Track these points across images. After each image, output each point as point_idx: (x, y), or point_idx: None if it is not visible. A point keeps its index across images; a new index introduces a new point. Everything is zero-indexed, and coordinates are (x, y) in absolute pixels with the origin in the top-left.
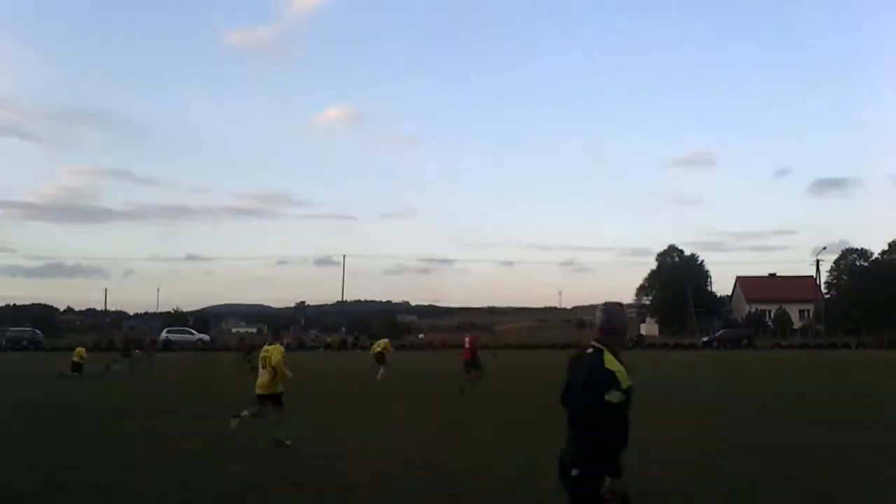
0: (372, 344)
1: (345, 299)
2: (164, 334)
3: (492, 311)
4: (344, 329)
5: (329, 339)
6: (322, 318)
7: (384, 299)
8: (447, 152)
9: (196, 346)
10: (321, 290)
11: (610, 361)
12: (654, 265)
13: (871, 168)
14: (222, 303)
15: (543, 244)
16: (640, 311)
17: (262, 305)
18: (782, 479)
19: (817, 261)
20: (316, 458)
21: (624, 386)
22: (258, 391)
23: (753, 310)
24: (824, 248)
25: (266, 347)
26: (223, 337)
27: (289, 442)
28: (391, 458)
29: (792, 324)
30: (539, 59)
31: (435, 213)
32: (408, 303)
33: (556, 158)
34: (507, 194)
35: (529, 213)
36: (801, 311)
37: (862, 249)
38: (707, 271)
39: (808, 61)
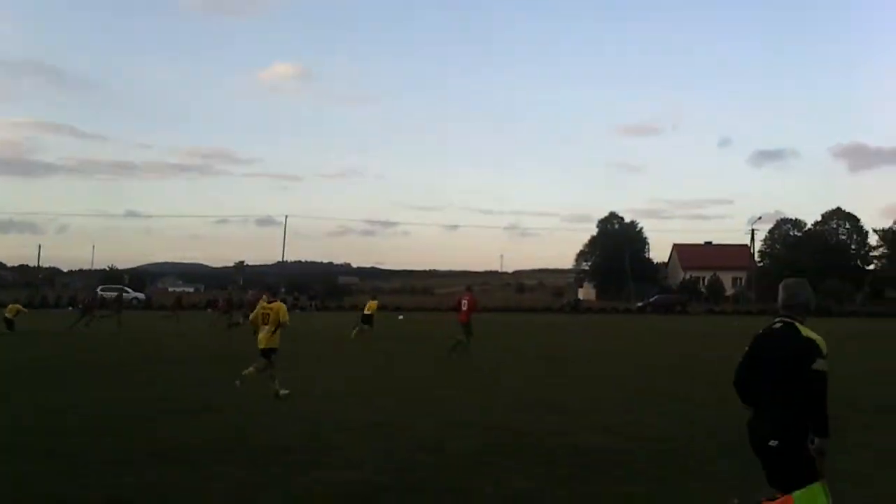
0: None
1: (285, 260)
2: (98, 292)
3: (433, 275)
4: (283, 289)
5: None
6: (261, 278)
7: (325, 260)
8: (394, 114)
9: (130, 305)
10: (261, 250)
11: (807, 332)
12: (594, 231)
13: (809, 140)
14: (159, 261)
15: (488, 208)
16: (578, 276)
17: (199, 264)
18: (713, 437)
19: (752, 230)
20: (256, 420)
21: (825, 353)
22: (260, 345)
23: (688, 276)
24: (759, 217)
25: (267, 305)
26: (159, 296)
27: (285, 391)
28: (328, 418)
29: (724, 291)
30: (490, 21)
31: (380, 175)
32: (349, 265)
33: (503, 123)
34: (453, 158)
35: (475, 178)
36: (734, 279)
37: (796, 220)
38: (645, 238)
39: (755, 34)
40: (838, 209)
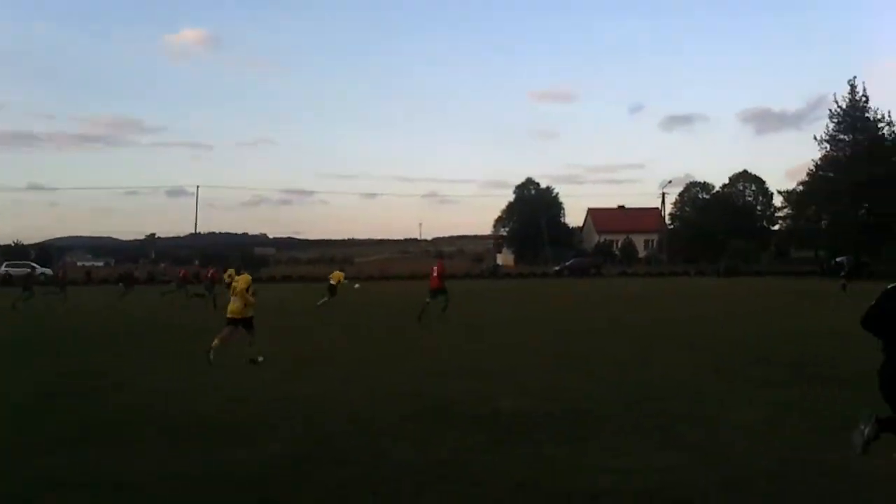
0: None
1: (198, 231)
2: (2, 268)
3: (352, 243)
4: (197, 262)
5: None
6: (174, 250)
7: (240, 231)
8: (308, 81)
9: (39, 281)
10: (173, 222)
11: None
12: (512, 197)
13: (718, 105)
14: (66, 235)
15: (406, 176)
16: (496, 241)
17: (109, 238)
18: (627, 398)
19: (663, 194)
20: (176, 395)
21: None
22: (229, 315)
23: (602, 240)
24: (670, 181)
25: (235, 277)
26: (69, 271)
27: (261, 359)
28: (246, 392)
29: (637, 253)
30: None
31: (295, 143)
32: (265, 235)
33: (420, 90)
34: (371, 125)
35: (392, 145)
36: (646, 241)
37: (704, 183)
38: (561, 203)
39: (665, 1)
40: (745, 172)
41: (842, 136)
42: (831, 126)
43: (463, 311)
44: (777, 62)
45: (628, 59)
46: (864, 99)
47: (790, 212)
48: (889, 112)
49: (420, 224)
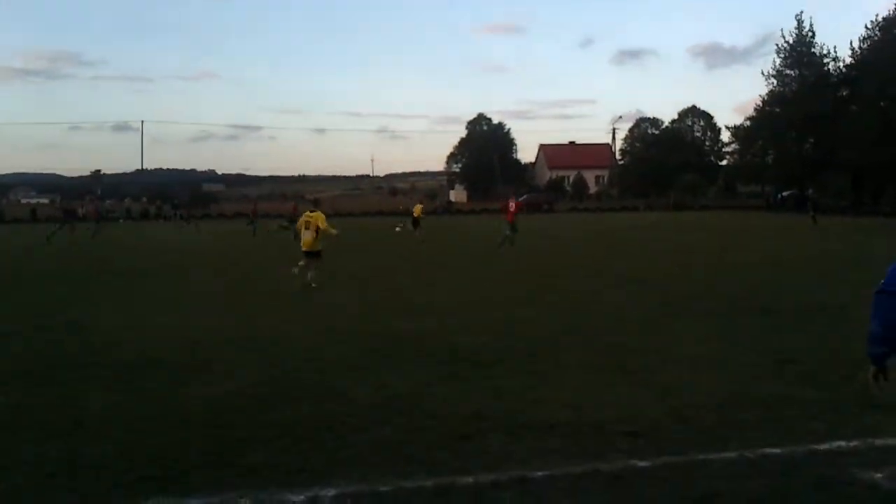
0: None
1: (145, 167)
2: None
3: (303, 180)
4: (145, 199)
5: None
6: (120, 187)
7: (188, 168)
8: (253, 12)
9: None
10: (119, 158)
11: None
12: (464, 133)
13: (669, 40)
14: (9, 172)
15: (356, 111)
16: (449, 178)
17: (53, 174)
18: (580, 333)
19: (613, 129)
20: (128, 336)
21: None
22: (304, 248)
23: (554, 176)
24: (620, 117)
25: (310, 214)
26: (12, 209)
27: (314, 285)
28: (199, 332)
29: (588, 189)
30: None
31: (241, 77)
32: (214, 171)
33: (367, 24)
34: (319, 60)
35: (342, 80)
36: (597, 177)
37: (654, 118)
38: (513, 139)
39: None
40: (693, 107)
41: (788, 72)
42: (778, 61)
43: (418, 249)
44: None
45: None
46: (810, 34)
47: (737, 147)
48: (835, 47)
49: (372, 160)
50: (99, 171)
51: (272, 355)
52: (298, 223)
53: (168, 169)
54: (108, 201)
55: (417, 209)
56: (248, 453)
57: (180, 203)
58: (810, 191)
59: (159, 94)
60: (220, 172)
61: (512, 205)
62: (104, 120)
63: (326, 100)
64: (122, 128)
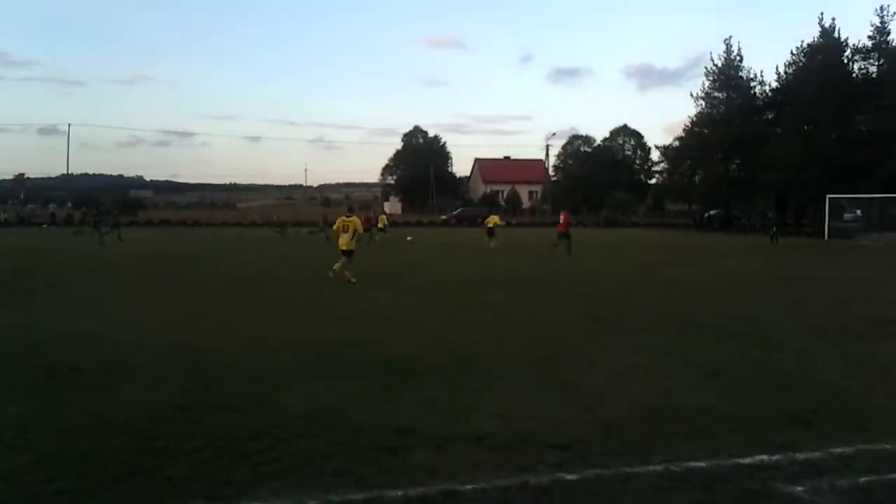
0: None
1: (71, 172)
2: None
3: (234, 188)
4: (70, 204)
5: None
6: (45, 191)
7: (116, 173)
8: (188, 16)
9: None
10: (44, 162)
11: None
12: (399, 145)
13: (604, 60)
14: None
15: (291, 120)
16: (384, 189)
17: None
18: (506, 344)
19: (547, 146)
20: (49, 341)
21: None
22: (342, 247)
23: (489, 190)
24: (554, 133)
25: (347, 219)
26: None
27: (354, 280)
28: (123, 339)
29: (522, 203)
30: None
31: (174, 82)
32: (142, 177)
33: (307, 31)
34: (255, 66)
35: (278, 88)
36: (530, 192)
37: (587, 136)
38: (449, 153)
39: None
40: (625, 126)
41: (716, 94)
42: (707, 84)
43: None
44: (661, 19)
45: (520, 8)
46: (738, 58)
47: (666, 166)
48: (762, 72)
49: (305, 169)
50: (23, 174)
51: (196, 363)
52: (336, 226)
53: (95, 174)
54: (29, 206)
55: (493, 220)
56: (171, 465)
57: (108, 209)
58: (770, 214)
59: (90, 98)
60: (148, 178)
61: (563, 217)
62: (30, 122)
63: (261, 107)
64: (48, 131)
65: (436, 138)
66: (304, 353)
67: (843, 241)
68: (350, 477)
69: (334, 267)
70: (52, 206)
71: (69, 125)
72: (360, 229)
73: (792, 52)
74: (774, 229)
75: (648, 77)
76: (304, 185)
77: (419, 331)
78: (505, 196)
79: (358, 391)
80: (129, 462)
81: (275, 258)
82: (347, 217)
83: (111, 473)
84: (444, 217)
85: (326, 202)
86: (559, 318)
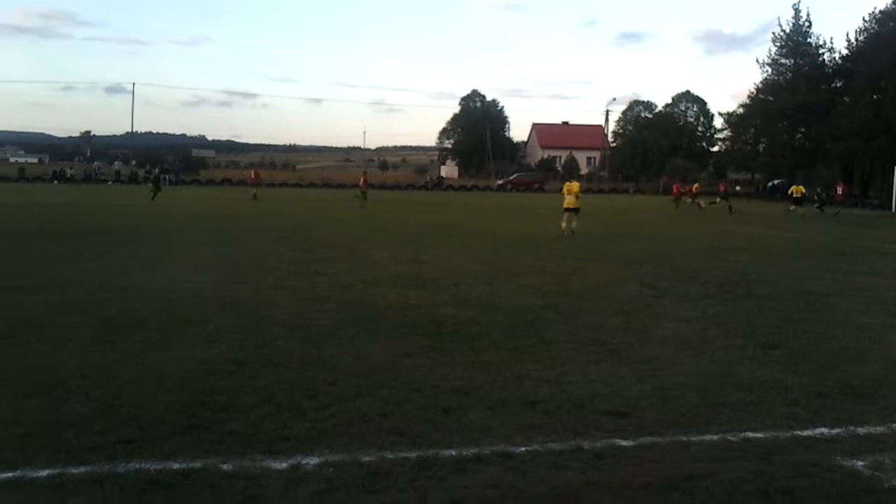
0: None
1: (135, 130)
2: None
3: (293, 149)
4: (134, 162)
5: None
6: (110, 149)
7: (179, 132)
8: None
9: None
10: (110, 120)
11: None
12: (457, 109)
13: (672, 24)
14: None
15: (351, 82)
16: (441, 153)
17: (43, 134)
18: (559, 311)
19: (607, 111)
20: (104, 296)
21: None
22: (567, 206)
23: (546, 155)
24: (614, 98)
25: (569, 183)
26: (1, 167)
27: (576, 231)
28: (183, 295)
29: (579, 170)
30: None
31: (236, 43)
32: (204, 137)
33: None
34: (315, 29)
35: (338, 50)
36: (588, 158)
37: (647, 102)
38: (506, 117)
39: None
40: (687, 92)
41: (783, 61)
42: (773, 50)
43: (406, 221)
44: None
45: None
46: (807, 24)
47: (729, 133)
48: (831, 38)
49: (364, 132)
50: (89, 132)
51: (249, 320)
52: (565, 189)
53: (158, 132)
54: (96, 163)
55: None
56: (229, 419)
57: (170, 168)
58: (780, 180)
59: (154, 57)
60: (210, 138)
61: (675, 188)
62: (97, 81)
63: (321, 69)
64: (114, 90)
65: (493, 102)
66: (358, 312)
67: None
68: (406, 435)
69: (563, 225)
70: (117, 164)
71: (133, 84)
72: (578, 191)
73: (863, 19)
74: (819, 197)
75: (716, 42)
76: (363, 147)
77: (468, 292)
78: (562, 162)
79: (412, 352)
80: (188, 415)
81: (334, 221)
82: (570, 182)
83: (170, 426)
84: (499, 182)
85: (384, 165)
86: (615, 284)
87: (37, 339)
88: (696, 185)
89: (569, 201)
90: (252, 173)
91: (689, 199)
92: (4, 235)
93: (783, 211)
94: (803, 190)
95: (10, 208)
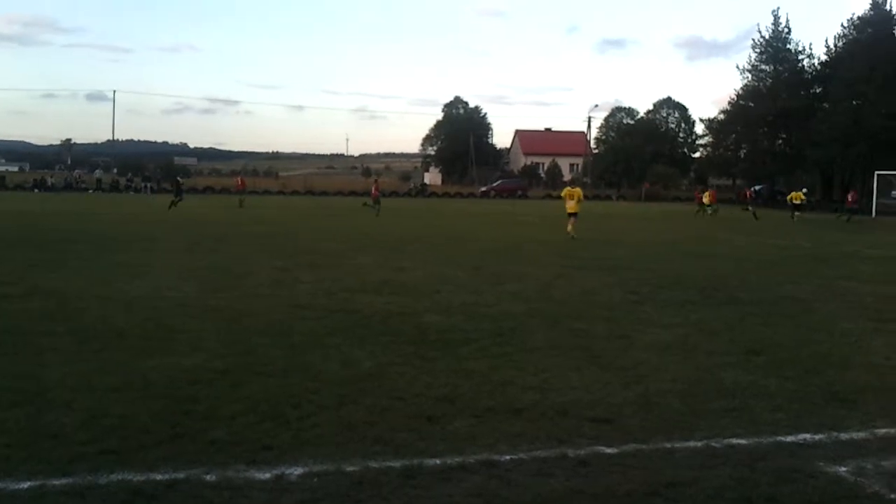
0: None
1: (116, 138)
2: None
3: (276, 157)
4: (115, 170)
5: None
6: (91, 157)
7: (160, 140)
8: None
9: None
10: (91, 128)
11: None
12: (440, 116)
13: (653, 30)
14: None
15: (333, 89)
16: (424, 160)
17: (23, 142)
18: (543, 317)
19: (589, 118)
20: (87, 304)
21: None
22: (569, 210)
23: (529, 162)
24: (596, 105)
25: (570, 189)
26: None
27: (575, 236)
28: (166, 303)
29: (562, 176)
30: None
31: (219, 50)
32: (186, 144)
33: (352, 1)
34: (298, 35)
35: (321, 57)
36: (571, 165)
37: (629, 108)
38: (489, 123)
39: None
40: (668, 98)
41: (763, 67)
42: (753, 56)
43: (388, 229)
44: None
45: None
46: (786, 30)
47: (710, 140)
48: (810, 44)
49: (347, 139)
50: (70, 140)
51: (233, 327)
52: (564, 193)
53: (140, 140)
54: (77, 171)
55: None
56: (212, 429)
57: (151, 176)
58: (761, 186)
59: (136, 65)
60: (192, 146)
61: (697, 196)
62: (78, 89)
63: (304, 76)
64: (95, 97)
65: (476, 109)
66: (343, 320)
67: (890, 219)
68: (390, 444)
69: (568, 228)
70: (97, 172)
71: (114, 91)
72: (581, 196)
73: (842, 25)
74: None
75: (697, 48)
76: (346, 154)
77: (451, 300)
78: (545, 168)
79: (396, 360)
80: (172, 424)
81: (323, 229)
82: (571, 188)
83: (154, 435)
84: (483, 189)
85: (367, 172)
86: (598, 291)
87: (20, 348)
88: (707, 193)
89: (570, 206)
90: (238, 180)
91: (699, 207)
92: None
93: (787, 217)
94: (803, 196)
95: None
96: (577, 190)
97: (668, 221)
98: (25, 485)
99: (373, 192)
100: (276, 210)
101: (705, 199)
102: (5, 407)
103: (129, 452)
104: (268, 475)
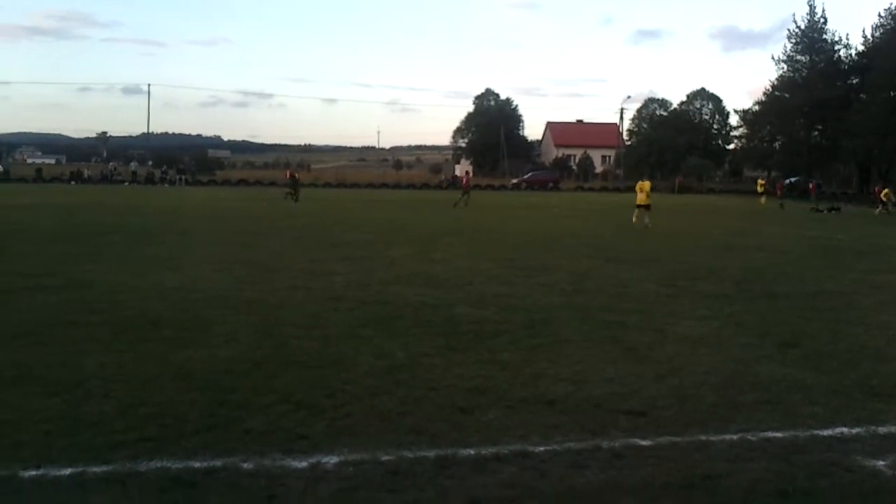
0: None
1: (151, 131)
2: None
3: (309, 149)
4: (150, 162)
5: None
6: (126, 150)
7: (194, 133)
8: None
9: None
10: (126, 121)
11: None
12: (471, 108)
13: (688, 21)
14: (15, 131)
15: (366, 82)
16: (455, 152)
17: (60, 135)
18: (576, 309)
19: (621, 109)
20: (124, 296)
21: None
22: (638, 203)
23: (561, 154)
24: (629, 96)
25: (643, 182)
26: (18, 168)
27: (650, 225)
28: (201, 295)
29: (594, 168)
30: None
31: (253, 44)
32: (220, 137)
33: None
34: (331, 29)
35: (353, 50)
36: (603, 157)
37: (662, 99)
38: (520, 116)
39: None
40: (702, 90)
41: (799, 57)
42: (789, 47)
43: (422, 221)
44: None
45: None
46: (822, 20)
47: (745, 131)
48: (847, 35)
49: (378, 132)
50: (105, 133)
51: (267, 319)
52: (637, 187)
53: (174, 133)
54: (112, 164)
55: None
56: (248, 418)
57: (186, 168)
58: (797, 178)
59: (170, 58)
60: (225, 138)
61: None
62: (113, 82)
63: (337, 70)
64: (130, 90)
65: (507, 101)
66: (375, 311)
67: None
68: (424, 434)
69: (634, 220)
70: (133, 165)
71: (149, 85)
72: (648, 189)
73: (879, 15)
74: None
75: (732, 39)
76: (377, 147)
77: (483, 291)
78: (577, 160)
79: (429, 351)
80: (208, 414)
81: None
82: (642, 181)
83: (190, 424)
84: (514, 181)
85: (398, 164)
86: (633, 283)
87: (58, 339)
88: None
89: (640, 198)
90: (287, 173)
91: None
92: (25, 237)
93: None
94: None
95: (30, 209)
96: (647, 183)
97: (701, 214)
98: (67, 471)
99: (463, 183)
100: (309, 203)
101: (884, 197)
102: (45, 396)
103: (167, 441)
104: (304, 464)
